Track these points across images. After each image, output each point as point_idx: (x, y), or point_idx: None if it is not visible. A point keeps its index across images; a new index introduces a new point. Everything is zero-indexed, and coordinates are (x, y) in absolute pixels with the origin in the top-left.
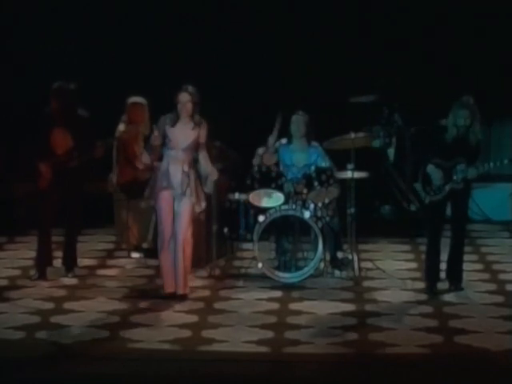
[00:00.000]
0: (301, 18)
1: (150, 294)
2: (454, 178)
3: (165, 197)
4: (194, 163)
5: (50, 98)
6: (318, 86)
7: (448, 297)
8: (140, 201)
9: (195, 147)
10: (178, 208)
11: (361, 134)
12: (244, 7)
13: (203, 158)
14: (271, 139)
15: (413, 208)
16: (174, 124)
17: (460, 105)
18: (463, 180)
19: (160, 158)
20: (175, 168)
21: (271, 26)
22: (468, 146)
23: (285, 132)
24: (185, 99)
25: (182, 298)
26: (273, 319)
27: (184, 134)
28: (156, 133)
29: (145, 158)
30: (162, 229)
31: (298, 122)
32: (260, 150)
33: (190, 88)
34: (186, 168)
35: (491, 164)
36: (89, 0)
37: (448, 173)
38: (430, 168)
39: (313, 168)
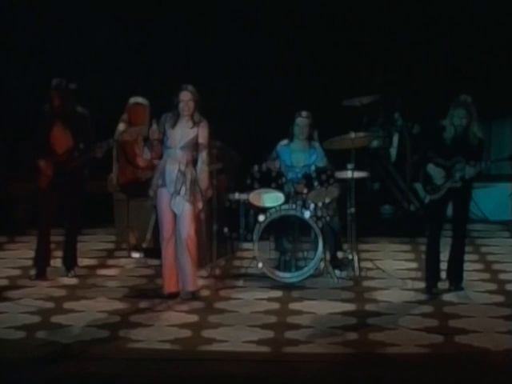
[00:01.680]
0: (301, 18)
1: (150, 294)
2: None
3: (163, 195)
4: (194, 164)
5: (51, 94)
6: (318, 85)
7: (448, 297)
8: (140, 201)
9: (194, 147)
10: (177, 206)
11: (361, 134)
12: (244, 8)
13: (200, 160)
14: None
15: (413, 208)
16: (174, 124)
17: (457, 104)
18: (461, 179)
19: (161, 157)
20: (172, 167)
21: (272, 26)
22: (468, 146)
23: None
24: (187, 98)
25: (191, 295)
26: (273, 319)
27: (182, 132)
28: (155, 127)
29: (145, 155)
30: (162, 227)
31: (303, 124)
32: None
33: (191, 87)
34: (182, 167)
35: (488, 162)
36: (89, 0)
37: (448, 172)
38: (430, 167)
39: (313, 168)
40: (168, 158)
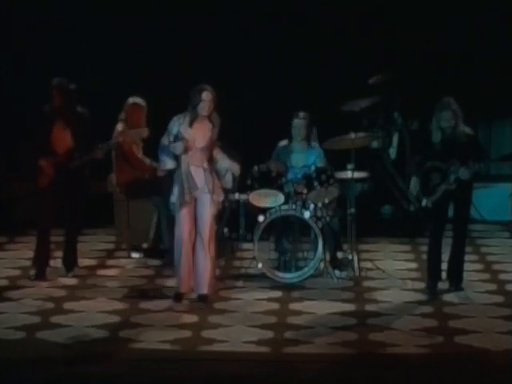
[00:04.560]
0: (301, 20)
1: (150, 294)
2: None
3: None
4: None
5: (52, 93)
6: (319, 86)
7: (448, 297)
8: (140, 201)
9: (211, 146)
10: (201, 208)
11: (361, 135)
12: (244, 8)
13: (220, 154)
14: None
15: (412, 208)
16: (191, 124)
17: (441, 107)
18: (456, 181)
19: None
20: (196, 168)
21: (273, 27)
22: (459, 146)
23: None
24: (208, 98)
25: (204, 298)
26: (273, 319)
27: (203, 133)
28: (170, 137)
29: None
30: (182, 230)
31: (299, 126)
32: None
33: (210, 87)
34: (206, 166)
35: (481, 164)
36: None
37: (444, 174)
38: (426, 170)
39: (313, 168)
40: (189, 160)
